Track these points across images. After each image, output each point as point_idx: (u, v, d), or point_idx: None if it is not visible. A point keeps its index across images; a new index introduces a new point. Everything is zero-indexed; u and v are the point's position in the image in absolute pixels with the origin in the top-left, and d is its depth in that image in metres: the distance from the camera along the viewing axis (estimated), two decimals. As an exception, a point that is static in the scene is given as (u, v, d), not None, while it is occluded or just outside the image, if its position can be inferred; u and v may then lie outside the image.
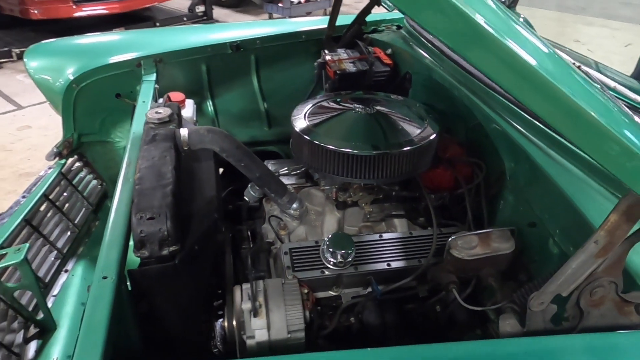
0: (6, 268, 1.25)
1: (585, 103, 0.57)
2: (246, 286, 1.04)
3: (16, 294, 1.25)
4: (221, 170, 1.88)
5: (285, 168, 1.49)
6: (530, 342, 0.70)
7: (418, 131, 1.26)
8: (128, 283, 0.98)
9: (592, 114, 0.57)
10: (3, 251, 1.26)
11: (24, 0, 5.23)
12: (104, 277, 0.87)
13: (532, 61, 0.56)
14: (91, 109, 1.74)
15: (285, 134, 1.61)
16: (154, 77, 1.70)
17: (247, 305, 0.99)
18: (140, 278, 0.96)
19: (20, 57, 5.08)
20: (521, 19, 1.85)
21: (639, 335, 0.69)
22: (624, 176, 0.59)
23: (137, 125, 1.36)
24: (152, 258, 0.96)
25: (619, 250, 0.70)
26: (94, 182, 1.85)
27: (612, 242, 0.66)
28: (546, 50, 0.66)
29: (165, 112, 1.23)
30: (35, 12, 5.26)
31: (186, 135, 1.17)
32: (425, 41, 1.66)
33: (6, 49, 5.09)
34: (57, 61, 1.77)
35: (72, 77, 1.68)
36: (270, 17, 6.75)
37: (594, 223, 0.86)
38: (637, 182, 0.59)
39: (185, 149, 1.18)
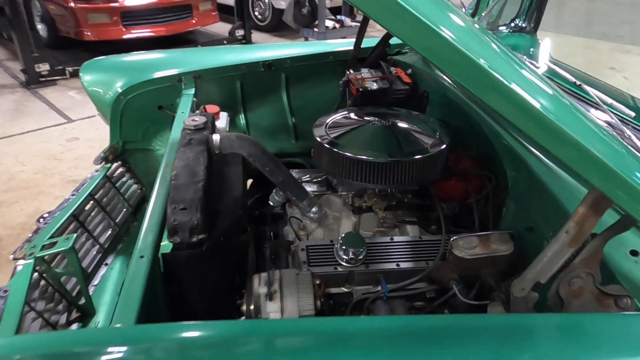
0: (56, 255, 1.41)
1: (559, 121, 0.65)
2: (264, 274, 1.15)
3: (62, 279, 1.40)
4: (250, 181, 2.02)
5: (307, 176, 1.61)
6: (498, 317, 0.77)
7: (430, 142, 1.36)
8: (161, 265, 1.11)
9: (567, 130, 0.65)
10: (54, 239, 1.43)
11: (79, 23, 5.64)
12: (141, 257, 1.00)
13: (524, 93, 0.66)
14: (136, 119, 1.92)
15: (310, 147, 1.74)
16: (192, 91, 1.87)
17: (263, 290, 1.11)
18: (172, 261, 1.09)
19: (73, 75, 5.46)
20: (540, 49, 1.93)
21: (606, 316, 0.75)
22: (590, 177, 0.68)
23: (176, 132, 1.51)
24: (183, 244, 1.09)
25: (594, 244, 0.77)
26: (135, 186, 2.01)
27: (582, 233, 0.74)
28: (536, 83, 0.74)
29: (200, 119, 1.38)
30: (89, 34, 5.66)
31: (218, 140, 1.31)
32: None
33: (61, 67, 5.48)
34: (108, 76, 1.96)
35: (120, 90, 1.86)
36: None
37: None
38: (600, 181, 0.67)
39: (217, 152, 1.32)
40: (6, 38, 6.70)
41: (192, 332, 0.71)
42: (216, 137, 1.32)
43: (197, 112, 1.69)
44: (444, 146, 1.34)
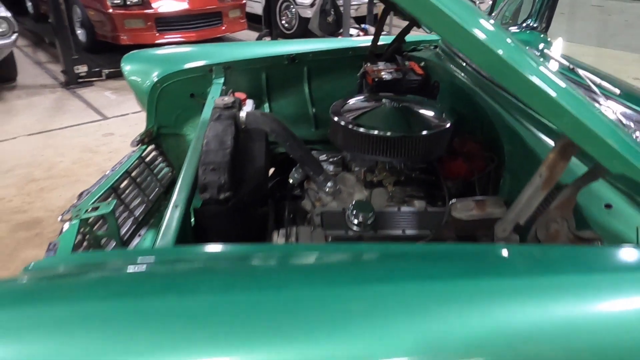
0: (98, 220, 1.58)
1: (531, 75, 0.78)
2: (282, 229, 1.29)
3: (102, 241, 1.57)
4: (272, 170, 2.17)
5: (324, 156, 1.75)
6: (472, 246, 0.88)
7: (436, 121, 1.49)
8: (192, 220, 1.27)
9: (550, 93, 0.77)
10: (96, 204, 1.60)
11: (117, 28, 5.97)
12: (176, 206, 1.16)
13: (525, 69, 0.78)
14: (169, 106, 2.09)
15: (327, 137, 1.90)
16: (222, 80, 2.04)
17: (282, 241, 1.25)
18: (202, 215, 1.24)
19: (109, 76, 5.77)
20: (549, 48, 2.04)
21: (570, 248, 0.86)
22: (559, 124, 0.80)
23: (206, 113, 1.67)
24: (212, 200, 1.24)
25: (568, 191, 0.89)
26: (166, 169, 2.18)
27: (553, 176, 0.85)
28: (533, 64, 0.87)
29: (229, 99, 1.54)
30: (125, 38, 5.98)
31: (244, 116, 1.47)
32: (455, 56, 1.89)
33: (97, 69, 5.80)
34: (146, 66, 2.15)
35: (156, 79, 2.05)
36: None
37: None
38: (568, 131, 0.79)
39: (243, 127, 1.48)
40: (47, 43, 7.10)
41: (223, 251, 0.85)
42: (243, 114, 1.47)
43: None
44: (448, 125, 1.47)
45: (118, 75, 5.75)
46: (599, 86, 1.20)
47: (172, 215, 1.12)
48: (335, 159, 1.74)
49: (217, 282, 0.75)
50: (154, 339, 0.66)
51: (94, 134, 4.29)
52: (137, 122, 4.39)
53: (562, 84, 0.83)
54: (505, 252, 0.80)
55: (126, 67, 2.18)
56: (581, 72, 1.25)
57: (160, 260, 0.83)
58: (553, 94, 0.76)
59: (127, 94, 5.25)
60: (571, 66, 1.29)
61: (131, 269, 0.79)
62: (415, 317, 0.68)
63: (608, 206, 0.96)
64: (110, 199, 1.79)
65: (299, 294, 0.71)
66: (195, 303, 0.70)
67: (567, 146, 0.83)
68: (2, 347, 0.66)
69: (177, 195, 1.20)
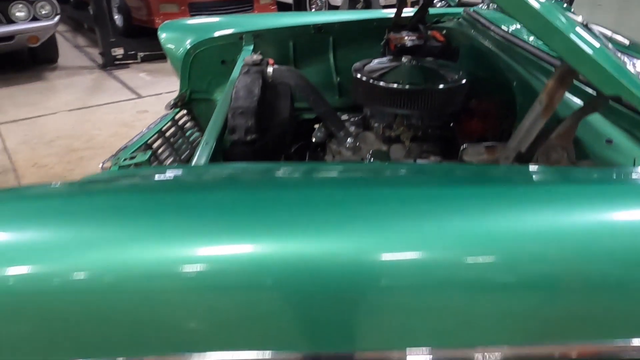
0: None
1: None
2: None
3: (138, 188, 1.70)
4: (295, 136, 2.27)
5: (346, 116, 1.84)
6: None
7: (451, 78, 1.56)
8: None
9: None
10: (134, 154, 1.73)
11: (152, 12, 6.20)
12: (206, 143, 1.27)
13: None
14: (202, 72, 2.21)
15: (351, 104, 1.98)
16: (251, 48, 2.14)
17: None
18: (229, 155, 1.35)
19: (143, 59, 5.99)
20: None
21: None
22: (558, 50, 0.86)
23: (235, 73, 1.78)
24: (239, 141, 1.34)
25: (568, 121, 0.95)
26: (197, 133, 2.31)
27: (552, 103, 0.92)
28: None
29: (258, 57, 1.64)
30: (159, 21, 6.17)
31: (271, 71, 1.57)
32: (477, 23, 1.95)
33: (133, 52, 6.03)
34: (180, 34, 2.28)
35: (189, 46, 2.17)
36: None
37: (578, 136, 1.10)
38: (568, 56, 0.86)
39: (270, 81, 1.58)
40: (86, 28, 7.40)
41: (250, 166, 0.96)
42: (270, 69, 1.58)
43: (255, 60, 1.96)
44: (463, 81, 1.53)
45: (153, 58, 5.96)
46: (609, 39, 1.25)
47: (202, 152, 1.24)
48: (356, 119, 1.82)
49: (243, 182, 0.85)
50: (185, 226, 0.77)
51: (129, 110, 4.49)
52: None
53: (561, 13, 0.90)
54: (512, 169, 0.86)
55: (162, 35, 2.32)
56: (594, 26, 1.30)
57: (193, 171, 0.94)
58: (551, 18, 0.83)
59: (160, 76, 5.45)
60: (585, 22, 1.34)
61: (169, 173, 0.90)
62: (422, 217, 0.74)
63: (609, 141, 1.02)
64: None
65: (315, 193, 0.80)
66: (223, 197, 0.81)
67: (565, 73, 0.90)
68: (65, 228, 0.77)
69: (208, 134, 1.32)
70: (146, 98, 4.83)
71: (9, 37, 4.95)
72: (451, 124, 1.71)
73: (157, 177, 0.93)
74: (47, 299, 0.74)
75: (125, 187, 0.88)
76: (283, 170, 0.93)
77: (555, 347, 0.74)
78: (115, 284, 0.73)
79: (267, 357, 0.74)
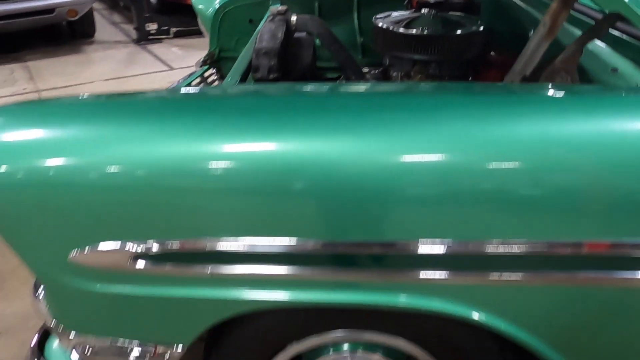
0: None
1: None
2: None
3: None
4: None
5: (366, 68, 1.90)
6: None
7: (468, 27, 1.60)
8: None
9: None
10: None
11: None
12: (230, 79, 1.36)
13: None
14: (230, 31, 2.31)
15: (373, 63, 2.03)
16: (278, 7, 2.22)
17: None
18: (253, 92, 1.44)
19: (176, 35, 6.14)
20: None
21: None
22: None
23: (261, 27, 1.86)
24: (263, 80, 1.43)
25: (572, 47, 0.99)
26: (225, 91, 2.41)
27: (555, 25, 0.96)
28: None
29: (284, 7, 1.72)
30: (191, -2, 6.32)
31: (295, 19, 1.64)
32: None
33: (166, 27, 6.19)
34: (211, -5, 2.37)
35: (218, 5, 2.27)
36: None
37: (585, 65, 1.13)
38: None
39: (293, 29, 1.65)
40: (122, 6, 7.61)
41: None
42: (294, 17, 1.65)
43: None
44: (481, 28, 1.57)
45: (185, 34, 6.10)
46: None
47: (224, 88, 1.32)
48: (375, 71, 1.88)
49: (269, 91, 0.93)
50: (218, 122, 0.85)
51: (161, 81, 4.64)
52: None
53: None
54: (534, 85, 0.90)
55: (194, -4, 2.41)
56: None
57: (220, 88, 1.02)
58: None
59: (192, 50, 5.58)
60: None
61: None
62: (442, 122, 0.77)
63: (614, 70, 1.05)
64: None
65: (349, 101, 0.87)
66: (249, 102, 0.89)
67: (568, -5, 0.94)
68: (102, 126, 0.87)
69: (232, 74, 1.40)
70: (178, 70, 4.98)
71: (50, 9, 5.17)
72: (470, 78, 1.75)
73: (185, 91, 1.02)
74: (83, 191, 0.83)
75: (158, 95, 0.98)
76: (308, 86, 1.00)
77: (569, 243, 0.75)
78: (147, 177, 0.83)
79: (292, 243, 0.81)
